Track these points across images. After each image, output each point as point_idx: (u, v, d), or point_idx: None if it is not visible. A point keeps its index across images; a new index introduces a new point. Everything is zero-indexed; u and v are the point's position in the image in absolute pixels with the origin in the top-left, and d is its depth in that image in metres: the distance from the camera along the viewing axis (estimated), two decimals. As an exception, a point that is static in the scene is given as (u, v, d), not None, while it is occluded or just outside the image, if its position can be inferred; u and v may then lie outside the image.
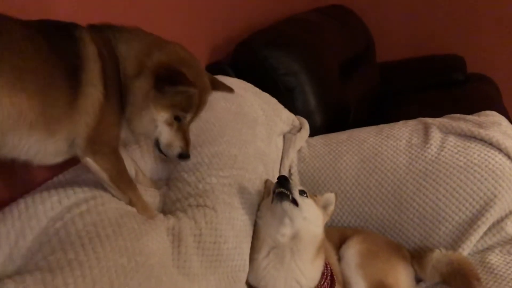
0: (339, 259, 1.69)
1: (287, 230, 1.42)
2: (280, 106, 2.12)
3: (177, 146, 1.32)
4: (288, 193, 1.40)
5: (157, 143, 1.33)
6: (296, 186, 1.48)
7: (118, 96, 1.24)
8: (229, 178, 1.52)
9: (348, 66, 2.88)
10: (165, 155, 1.34)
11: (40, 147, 1.11)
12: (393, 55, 3.59)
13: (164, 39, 1.34)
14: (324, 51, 2.64)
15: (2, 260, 1.04)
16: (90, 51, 1.16)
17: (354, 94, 2.84)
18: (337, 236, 1.76)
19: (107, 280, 1.01)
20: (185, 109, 1.31)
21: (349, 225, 1.89)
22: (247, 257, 1.49)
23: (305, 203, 1.45)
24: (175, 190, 1.50)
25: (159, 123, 1.29)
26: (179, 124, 1.33)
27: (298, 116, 2.23)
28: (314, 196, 1.56)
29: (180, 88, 1.25)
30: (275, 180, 1.49)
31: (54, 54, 1.09)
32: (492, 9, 3.38)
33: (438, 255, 1.65)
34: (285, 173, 1.98)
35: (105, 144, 1.23)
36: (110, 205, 1.22)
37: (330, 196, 1.59)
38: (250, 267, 1.51)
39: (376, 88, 3.27)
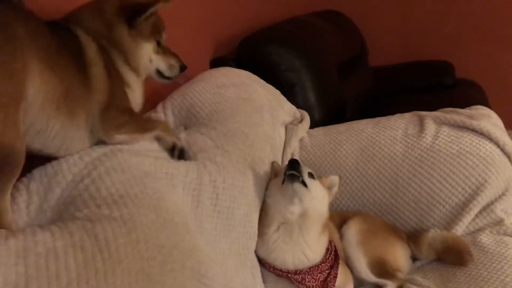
0: (341, 238, 1.79)
1: (296, 209, 1.52)
2: (283, 98, 2.24)
3: (175, 64, 1.53)
4: (299, 175, 1.51)
5: (158, 73, 1.52)
6: (305, 169, 1.58)
7: (114, 68, 1.38)
8: (243, 151, 1.63)
9: (344, 68, 3.02)
10: (169, 79, 1.55)
11: (65, 135, 1.21)
12: (385, 61, 3.74)
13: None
14: (324, 51, 2.77)
15: (35, 214, 1.12)
16: (82, 35, 1.30)
17: (350, 94, 2.97)
18: (338, 218, 1.86)
19: (141, 232, 1.09)
20: (159, 30, 1.49)
21: (348, 209, 1.99)
22: (256, 227, 1.58)
23: (313, 184, 1.56)
24: (199, 143, 1.61)
25: (151, 55, 1.47)
26: (162, 47, 1.51)
27: (299, 109, 2.34)
28: (320, 178, 1.66)
29: (150, 10, 1.38)
30: (280, 164, 1.60)
31: (62, 40, 1.22)
32: (481, 19, 3.58)
33: (433, 234, 1.76)
34: (287, 160, 2.08)
35: (120, 115, 1.34)
36: (131, 160, 1.30)
37: (335, 178, 1.70)
38: (261, 241, 1.60)
39: (369, 90, 3.40)
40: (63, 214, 1.13)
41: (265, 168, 1.72)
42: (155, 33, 1.47)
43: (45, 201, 1.16)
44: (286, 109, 2.20)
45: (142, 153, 1.38)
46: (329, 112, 2.59)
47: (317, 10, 3.40)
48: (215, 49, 2.64)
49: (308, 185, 1.51)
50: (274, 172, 1.75)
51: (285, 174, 1.53)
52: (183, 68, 1.55)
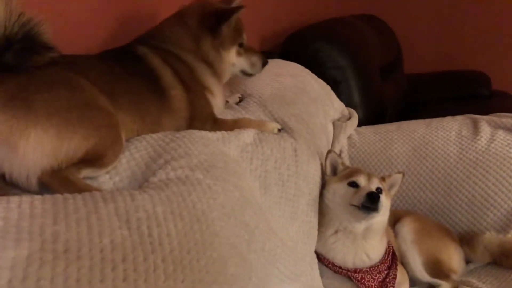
0: (395, 236, 1.76)
1: (362, 226, 1.51)
2: (333, 94, 2.22)
3: (256, 62, 1.57)
4: (375, 207, 1.45)
5: (242, 72, 1.56)
6: (375, 182, 1.54)
7: (195, 81, 1.40)
8: (307, 139, 1.62)
9: (384, 70, 3.00)
10: (252, 75, 1.60)
11: None
12: (419, 69, 3.72)
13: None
14: (367, 52, 2.76)
15: (128, 182, 1.09)
16: (156, 62, 1.32)
17: (388, 98, 2.96)
18: (390, 216, 1.83)
19: (231, 207, 1.07)
20: (240, 33, 1.49)
21: (398, 208, 1.97)
22: (317, 217, 1.56)
23: (383, 203, 1.49)
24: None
25: (234, 60, 1.50)
26: (244, 47, 1.53)
27: (347, 107, 2.32)
28: (382, 179, 1.61)
29: (234, 17, 1.40)
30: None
31: (132, 75, 1.24)
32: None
33: (489, 237, 1.73)
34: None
35: (203, 125, 1.36)
36: (208, 137, 1.30)
37: (398, 177, 1.65)
38: (318, 237, 1.57)
39: (404, 97, 3.38)
40: (153, 168, 1.10)
41: (322, 159, 1.70)
42: (237, 37, 1.48)
43: (132, 158, 1.14)
44: (336, 106, 2.18)
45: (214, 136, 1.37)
46: (371, 112, 2.58)
47: (356, 14, 3.39)
48: (259, 44, 2.63)
49: (379, 209, 1.46)
50: (331, 163, 1.69)
51: (361, 202, 1.45)
52: (265, 63, 1.58)
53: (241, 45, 1.50)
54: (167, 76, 1.32)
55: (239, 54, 1.51)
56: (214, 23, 1.38)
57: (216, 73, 1.45)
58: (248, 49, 1.54)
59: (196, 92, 1.39)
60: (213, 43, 1.41)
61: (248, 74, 1.57)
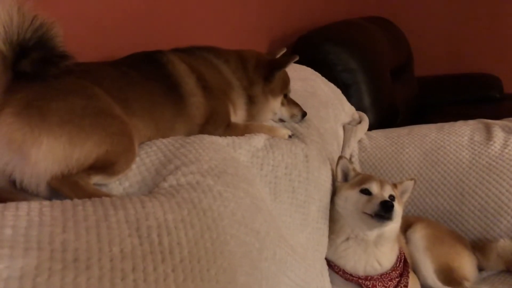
0: (406, 242, 1.73)
1: (374, 233, 1.49)
2: (344, 98, 2.20)
3: (297, 113, 1.63)
4: (389, 215, 1.43)
5: (281, 120, 1.64)
6: (388, 189, 1.52)
7: (220, 91, 1.41)
8: (318, 144, 1.60)
9: (395, 73, 2.98)
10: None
11: None
12: (429, 71, 3.69)
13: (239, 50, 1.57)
14: (378, 54, 2.74)
15: (138, 187, 1.08)
16: (182, 69, 1.33)
17: (399, 100, 2.93)
18: (401, 222, 1.81)
19: (241, 215, 1.06)
20: (286, 85, 1.59)
21: (408, 214, 1.94)
22: (327, 224, 1.54)
23: (396, 211, 1.46)
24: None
25: (277, 108, 1.58)
26: (287, 98, 1.62)
27: (358, 111, 2.30)
28: (394, 185, 1.59)
29: (287, 65, 1.53)
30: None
31: (149, 81, 1.24)
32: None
33: (503, 244, 1.71)
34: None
35: (216, 130, 1.36)
36: (218, 143, 1.29)
37: (410, 183, 1.63)
38: (328, 245, 1.55)
39: (415, 99, 3.36)
40: (163, 173, 1.08)
41: (333, 163, 1.68)
42: (284, 88, 1.57)
43: (142, 163, 1.12)
44: (346, 109, 2.16)
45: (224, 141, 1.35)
46: (382, 116, 2.55)
47: (366, 16, 3.36)
48: (269, 47, 2.62)
49: (392, 217, 1.44)
50: (342, 169, 1.67)
51: (374, 211, 1.43)
52: (304, 115, 1.64)
53: (285, 96, 1.59)
54: (189, 83, 1.32)
55: (282, 104, 1.60)
56: (268, 71, 1.49)
57: (252, 114, 1.51)
58: (290, 101, 1.63)
59: (219, 100, 1.40)
60: (264, 89, 1.50)
61: (282, 121, 1.65)
